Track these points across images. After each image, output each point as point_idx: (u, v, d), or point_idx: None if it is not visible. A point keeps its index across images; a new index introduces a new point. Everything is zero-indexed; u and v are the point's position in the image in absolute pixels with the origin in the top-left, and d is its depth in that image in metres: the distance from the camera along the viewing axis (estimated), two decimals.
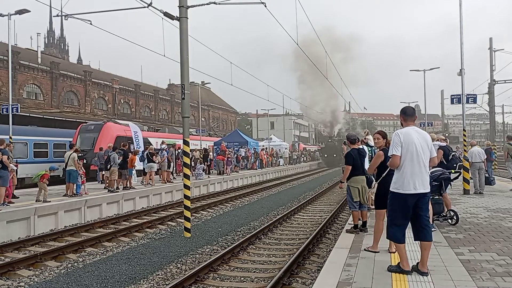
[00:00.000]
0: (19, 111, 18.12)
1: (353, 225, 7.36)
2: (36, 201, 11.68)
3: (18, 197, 12.78)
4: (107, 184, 15.03)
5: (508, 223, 7.56)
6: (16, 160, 14.24)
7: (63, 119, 29.85)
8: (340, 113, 67.33)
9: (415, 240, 4.68)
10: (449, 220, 7.54)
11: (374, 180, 6.53)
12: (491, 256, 5.34)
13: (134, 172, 16.65)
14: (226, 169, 25.08)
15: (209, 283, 6.70)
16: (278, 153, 41.26)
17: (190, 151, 11.74)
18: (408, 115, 4.84)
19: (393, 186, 4.69)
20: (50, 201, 11.75)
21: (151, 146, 18.60)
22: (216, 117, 75.09)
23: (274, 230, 11.01)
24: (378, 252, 5.67)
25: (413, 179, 4.55)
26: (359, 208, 7.33)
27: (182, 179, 10.30)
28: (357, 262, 5.32)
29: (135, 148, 18.20)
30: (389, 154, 4.79)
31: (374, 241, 5.79)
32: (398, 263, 4.76)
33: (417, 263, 4.70)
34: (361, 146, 8.04)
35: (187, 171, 10.28)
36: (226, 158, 24.94)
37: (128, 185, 15.86)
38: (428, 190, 4.65)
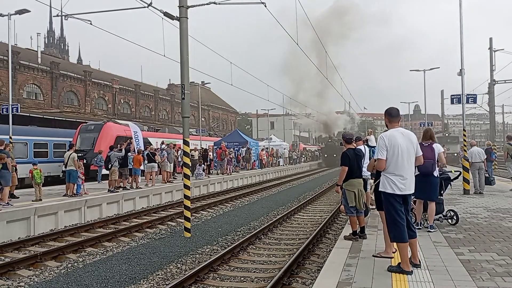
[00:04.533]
0: (19, 111, 18.15)
1: (351, 232, 6.83)
2: (32, 201, 11.73)
3: (18, 197, 12.79)
4: (117, 184, 15.03)
5: (508, 223, 7.56)
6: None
7: (63, 119, 29.87)
8: (340, 115, 67.24)
9: None
10: (449, 220, 7.53)
11: (373, 179, 6.52)
12: (491, 256, 5.34)
13: (139, 171, 16.70)
14: (227, 168, 25.08)
15: (209, 283, 6.70)
16: (278, 153, 41.26)
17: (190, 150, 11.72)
18: (393, 116, 4.90)
19: (381, 187, 4.81)
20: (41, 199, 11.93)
21: (151, 146, 18.61)
22: (216, 117, 75.08)
23: (274, 230, 11.00)
24: (393, 257, 5.29)
25: (399, 181, 4.67)
26: (356, 214, 6.82)
27: (182, 178, 10.30)
28: (357, 262, 5.32)
29: (136, 147, 18.21)
30: (374, 158, 4.86)
31: (386, 245, 5.45)
32: (398, 263, 4.77)
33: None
34: (360, 146, 7.93)
35: (187, 171, 10.28)
36: (220, 157, 24.75)
37: (135, 185, 15.94)
38: (412, 191, 4.81)
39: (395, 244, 5.03)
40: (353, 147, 6.99)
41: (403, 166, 4.69)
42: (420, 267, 4.86)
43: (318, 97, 59.33)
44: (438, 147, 6.86)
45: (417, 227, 6.83)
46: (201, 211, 14.34)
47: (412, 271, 4.68)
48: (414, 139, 4.86)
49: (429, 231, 6.82)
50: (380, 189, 4.82)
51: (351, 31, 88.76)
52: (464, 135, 14.45)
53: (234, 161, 27.25)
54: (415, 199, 6.98)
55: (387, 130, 5.02)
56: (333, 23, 59.26)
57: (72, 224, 11.70)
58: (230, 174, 24.84)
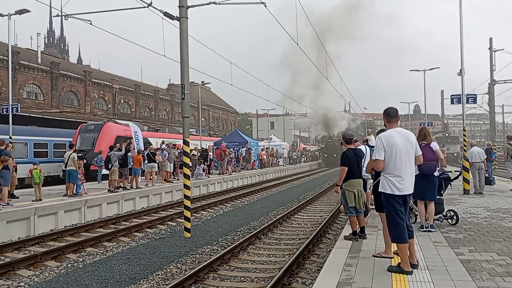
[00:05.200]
0: (19, 111, 18.14)
1: (351, 232, 6.83)
2: (32, 201, 11.73)
3: (18, 197, 12.79)
4: (117, 184, 15.03)
5: (508, 223, 7.56)
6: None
7: (63, 119, 29.88)
8: (340, 114, 67.12)
9: None
10: (449, 220, 7.53)
11: (372, 180, 6.52)
12: (491, 256, 5.34)
13: (139, 171, 16.70)
14: (227, 169, 25.08)
15: (209, 283, 6.70)
16: (278, 153, 41.26)
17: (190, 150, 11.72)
18: (391, 116, 4.88)
19: (381, 187, 4.80)
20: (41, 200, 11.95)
21: (151, 146, 18.61)
22: (216, 117, 75.09)
23: (274, 230, 11.00)
24: (393, 257, 5.28)
25: (399, 182, 4.65)
26: (356, 214, 6.80)
27: (178, 178, 10.30)
28: (357, 262, 5.32)
29: (136, 147, 18.21)
30: (372, 158, 4.85)
31: (386, 246, 5.45)
32: (398, 263, 4.77)
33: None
34: (361, 146, 7.93)
35: (187, 171, 10.28)
36: (220, 157, 24.75)
37: (135, 185, 15.95)
38: (411, 191, 4.79)
39: (395, 245, 5.02)
40: (353, 147, 6.99)
41: (401, 167, 4.67)
42: (417, 267, 4.85)
43: (315, 90, 58.70)
44: (434, 145, 6.87)
45: (421, 230, 6.83)
46: (201, 211, 14.34)
47: (412, 271, 4.68)
48: (413, 139, 4.84)
49: (429, 231, 6.81)
50: (379, 190, 4.82)
51: (356, 30, 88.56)
52: (464, 135, 14.44)
53: (234, 161, 27.26)
54: (415, 200, 6.97)
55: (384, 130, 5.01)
56: (341, 19, 58.93)
57: (72, 224, 11.70)
58: (230, 174, 24.84)
